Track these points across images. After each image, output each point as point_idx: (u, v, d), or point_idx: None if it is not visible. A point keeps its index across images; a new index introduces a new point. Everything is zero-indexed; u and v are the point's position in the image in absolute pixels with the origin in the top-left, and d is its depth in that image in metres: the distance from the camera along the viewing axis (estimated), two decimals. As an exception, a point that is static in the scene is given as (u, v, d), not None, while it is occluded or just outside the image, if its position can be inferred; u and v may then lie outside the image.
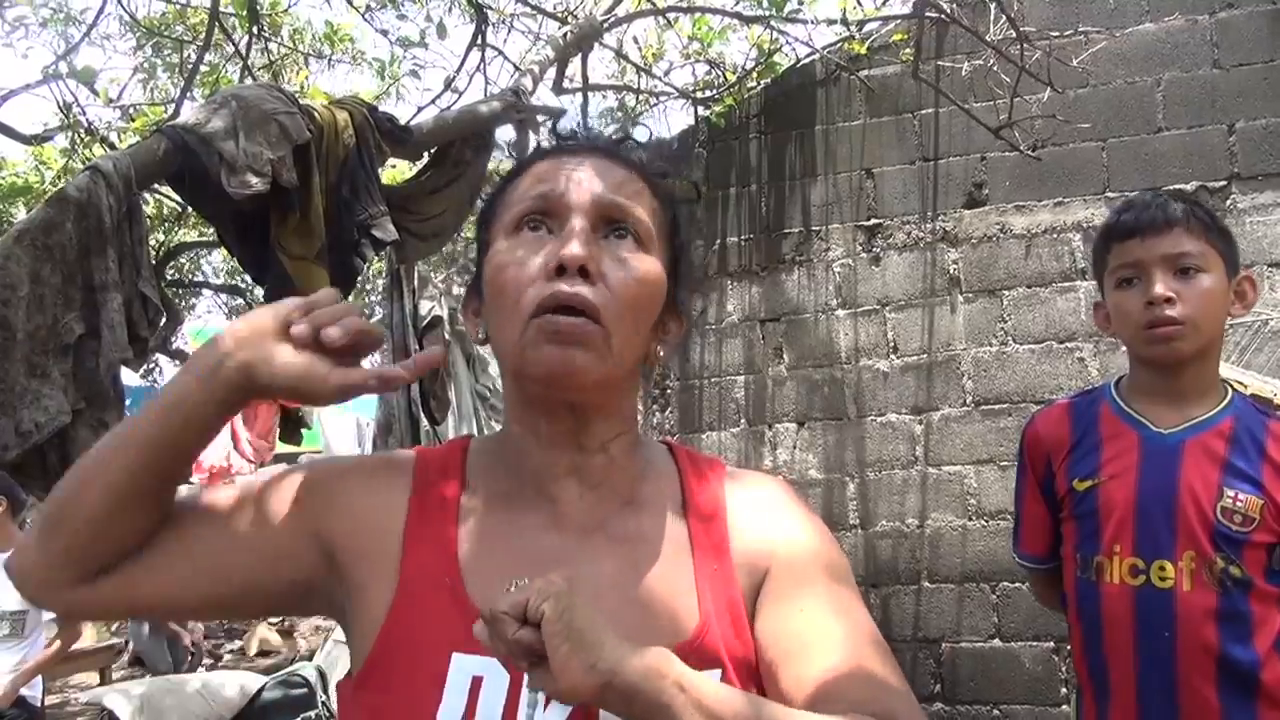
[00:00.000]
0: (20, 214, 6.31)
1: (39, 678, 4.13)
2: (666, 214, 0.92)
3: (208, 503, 0.90)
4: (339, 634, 5.34)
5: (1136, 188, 3.98)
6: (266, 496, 0.90)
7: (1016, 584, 3.93)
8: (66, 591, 0.85)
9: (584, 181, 0.87)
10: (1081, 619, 1.62)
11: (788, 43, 4.85)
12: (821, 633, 0.84)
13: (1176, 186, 3.91)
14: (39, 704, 4.14)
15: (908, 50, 4.27)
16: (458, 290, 4.50)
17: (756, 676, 0.86)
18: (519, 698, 0.78)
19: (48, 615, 3.97)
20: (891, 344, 4.35)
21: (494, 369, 4.81)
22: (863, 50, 4.39)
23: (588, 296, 0.82)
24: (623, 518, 0.89)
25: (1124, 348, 1.72)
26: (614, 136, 0.96)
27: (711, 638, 0.83)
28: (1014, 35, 3.62)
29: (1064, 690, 3.91)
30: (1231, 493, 1.51)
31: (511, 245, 0.86)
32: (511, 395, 0.91)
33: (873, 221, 4.44)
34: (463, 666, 0.79)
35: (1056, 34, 3.82)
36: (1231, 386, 1.65)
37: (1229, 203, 3.90)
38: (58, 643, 4.04)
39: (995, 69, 3.94)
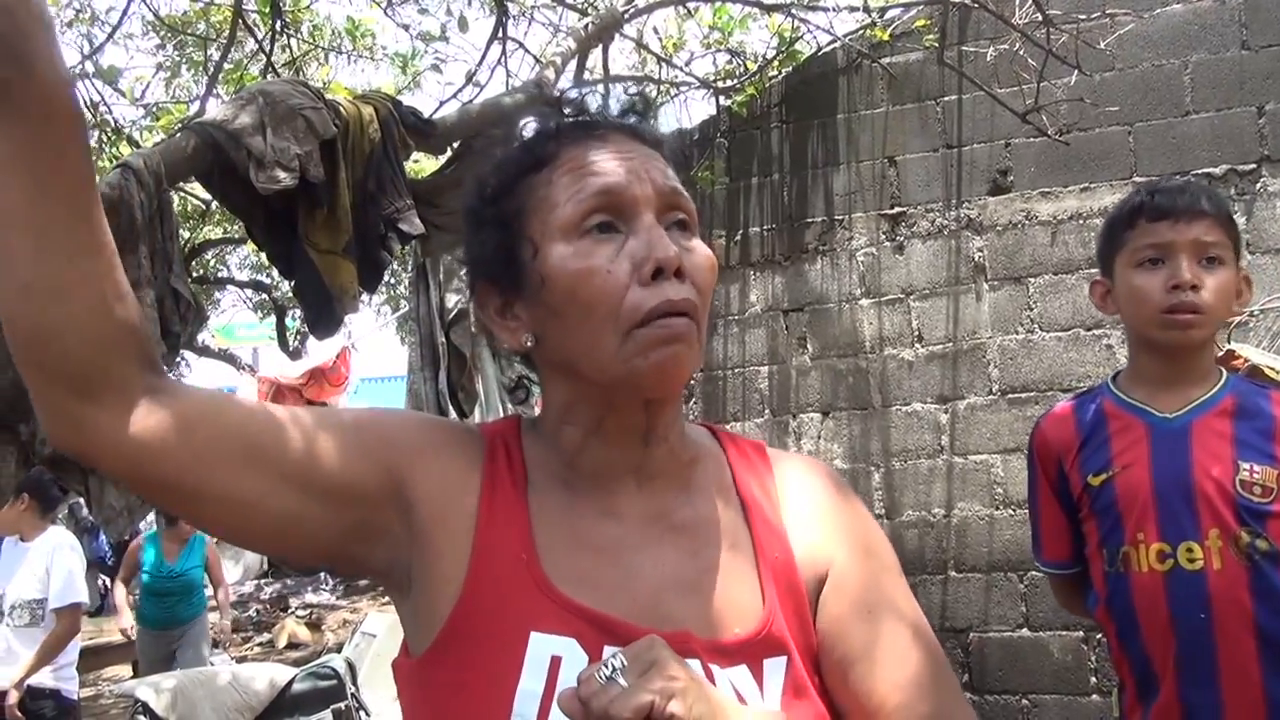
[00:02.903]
0: (48, 213, 6.36)
1: (74, 673, 4.18)
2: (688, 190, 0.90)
3: (288, 408, 0.86)
4: (366, 626, 5.38)
5: (1164, 172, 3.93)
6: (354, 420, 0.87)
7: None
8: (90, 420, 0.75)
9: (641, 172, 0.84)
10: (1114, 614, 1.62)
11: (809, 31, 4.82)
12: (887, 637, 0.86)
13: (1205, 170, 3.87)
14: (74, 697, 4.19)
15: (930, 36, 4.24)
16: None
17: (819, 666, 0.86)
18: None
19: (55, 604, 3.99)
20: (916, 333, 4.33)
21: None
22: (885, 37, 4.36)
23: (693, 299, 0.81)
24: (679, 505, 0.88)
25: None
26: (629, 113, 0.92)
27: (778, 626, 0.83)
28: (1040, 19, 3.58)
29: (1093, 680, 3.89)
30: (1247, 465, 1.52)
31: (582, 249, 0.81)
32: (575, 399, 0.86)
33: (896, 210, 4.42)
34: (541, 646, 0.78)
35: (1083, 17, 3.77)
36: (1266, 372, 1.65)
37: (1259, 186, 3.85)
38: (60, 625, 4.01)
39: (1021, 53, 3.91)
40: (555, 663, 0.77)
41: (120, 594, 5.76)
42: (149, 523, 5.83)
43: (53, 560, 4.01)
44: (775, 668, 0.82)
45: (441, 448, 0.87)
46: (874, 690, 0.83)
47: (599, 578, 0.83)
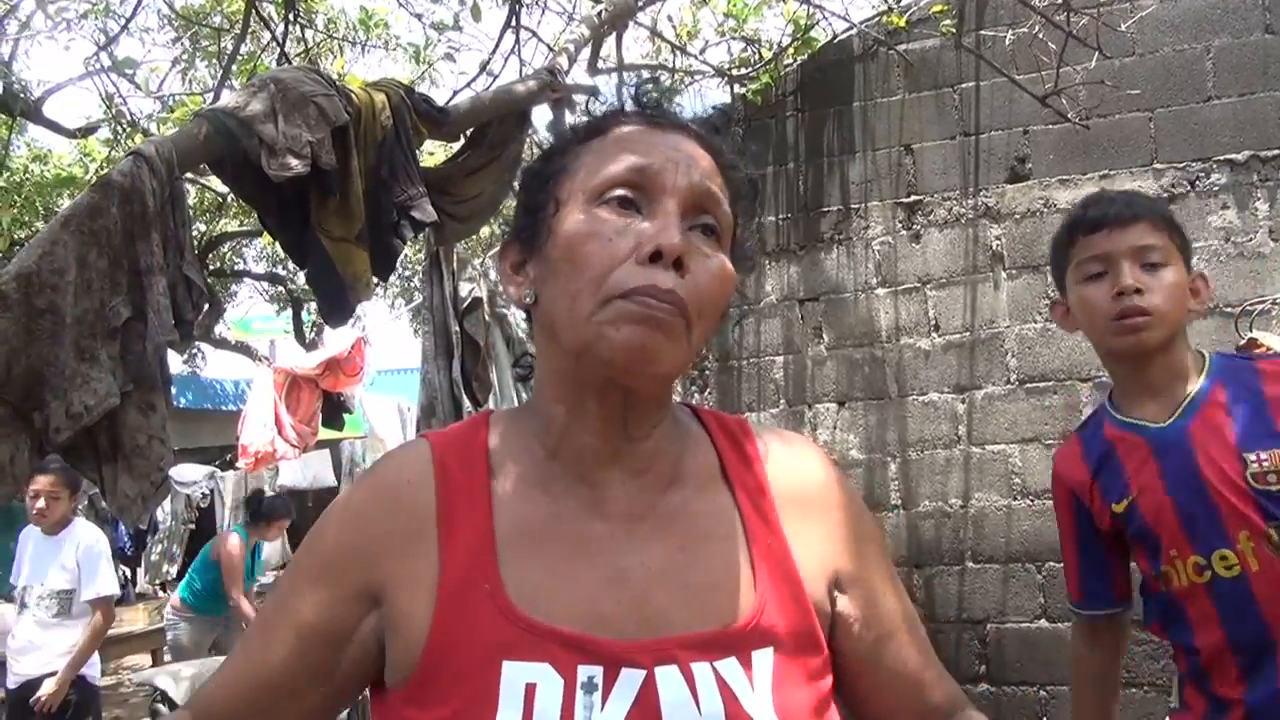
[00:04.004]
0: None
1: (96, 658, 4.21)
2: (735, 208, 0.90)
3: (263, 616, 0.89)
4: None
5: (1185, 159, 3.88)
6: (310, 574, 0.88)
7: (1062, 564, 3.86)
8: None
9: (680, 164, 0.84)
10: (1170, 629, 1.60)
11: (824, 18, 4.78)
12: (901, 619, 0.93)
13: (1227, 156, 3.82)
14: (97, 682, 4.23)
15: (948, 22, 4.19)
16: (495, 275, 4.50)
17: (818, 646, 0.85)
18: (574, 703, 0.75)
19: (88, 596, 4.02)
20: (933, 322, 4.30)
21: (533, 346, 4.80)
22: (901, 23, 4.32)
23: (680, 293, 0.79)
24: (668, 498, 0.87)
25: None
26: (697, 118, 0.93)
27: (768, 617, 0.82)
28: (1060, 1, 3.54)
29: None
30: (1253, 455, 1.49)
31: (595, 215, 0.82)
32: (558, 370, 0.86)
33: (913, 198, 4.38)
34: (515, 675, 0.76)
35: (1104, 0, 3.72)
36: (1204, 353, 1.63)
37: (1283, 172, 3.79)
38: (98, 617, 4.06)
39: (1040, 37, 3.86)
40: (530, 690, 0.76)
41: (246, 606, 5.46)
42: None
43: (82, 554, 4.05)
44: (764, 658, 0.80)
45: (380, 520, 0.86)
46: (909, 661, 0.91)
47: (580, 583, 0.81)
